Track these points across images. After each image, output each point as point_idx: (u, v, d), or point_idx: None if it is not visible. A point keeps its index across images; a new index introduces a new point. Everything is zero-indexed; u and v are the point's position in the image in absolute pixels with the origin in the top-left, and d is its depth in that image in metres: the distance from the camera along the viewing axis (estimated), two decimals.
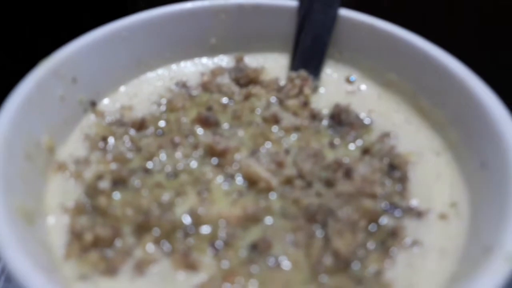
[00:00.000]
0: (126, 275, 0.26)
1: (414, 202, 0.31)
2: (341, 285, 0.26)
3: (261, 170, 0.32)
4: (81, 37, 0.36)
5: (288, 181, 0.32)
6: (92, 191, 0.31)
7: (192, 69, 0.42)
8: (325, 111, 0.38)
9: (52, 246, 0.28)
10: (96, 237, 0.28)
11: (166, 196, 0.31)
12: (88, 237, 0.27)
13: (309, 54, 0.41)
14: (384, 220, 0.30)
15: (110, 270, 0.27)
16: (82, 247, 0.27)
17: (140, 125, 0.36)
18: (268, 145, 0.35)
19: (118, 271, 0.27)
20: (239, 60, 0.43)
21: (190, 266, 0.27)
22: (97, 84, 0.37)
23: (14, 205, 0.25)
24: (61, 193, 0.31)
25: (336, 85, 0.41)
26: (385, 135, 0.36)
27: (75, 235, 0.28)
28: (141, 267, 0.27)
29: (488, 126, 0.30)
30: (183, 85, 0.40)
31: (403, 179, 0.33)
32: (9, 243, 0.22)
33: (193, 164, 0.33)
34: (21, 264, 0.21)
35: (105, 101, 0.38)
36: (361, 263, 0.28)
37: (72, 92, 0.35)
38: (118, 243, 0.28)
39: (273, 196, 0.31)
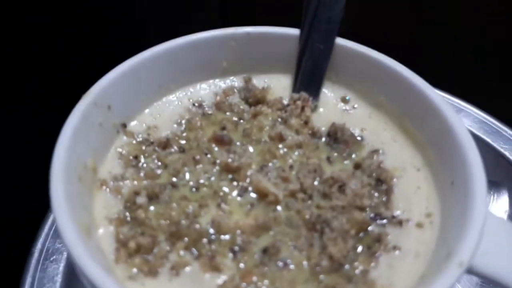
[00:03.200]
0: (166, 276, 0.33)
1: (396, 212, 0.38)
2: (336, 283, 0.33)
3: (270, 185, 0.39)
4: (112, 70, 0.41)
5: (292, 195, 0.38)
6: (130, 205, 0.37)
7: (206, 90, 0.48)
8: (324, 129, 0.44)
9: (104, 252, 0.34)
10: (139, 245, 0.34)
11: (191, 208, 0.37)
12: (132, 245, 0.34)
13: (309, 78, 0.46)
14: (371, 228, 0.37)
15: (152, 272, 0.33)
16: (128, 253, 0.34)
17: (165, 145, 0.42)
18: (274, 160, 0.41)
19: (158, 273, 0.33)
20: (248, 81, 0.49)
21: (215, 268, 0.34)
22: (126, 108, 0.43)
23: (77, 222, 0.31)
24: (105, 207, 0.37)
25: (332, 104, 0.47)
26: (374, 152, 0.42)
27: (121, 243, 0.35)
28: (176, 269, 0.34)
29: (457, 152, 0.36)
30: (199, 105, 0.46)
31: (388, 192, 0.39)
32: (84, 255, 0.28)
33: (212, 179, 0.40)
34: (92, 270, 0.28)
35: (133, 123, 0.44)
36: (351, 264, 0.34)
37: (108, 118, 0.41)
38: (155, 249, 0.35)
39: (279, 207, 0.38)
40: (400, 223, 0.37)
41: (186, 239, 0.35)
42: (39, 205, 0.51)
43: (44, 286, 0.52)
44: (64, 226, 0.30)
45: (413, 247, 0.35)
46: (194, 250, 0.35)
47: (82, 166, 0.37)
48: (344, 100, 0.47)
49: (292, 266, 0.34)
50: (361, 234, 0.36)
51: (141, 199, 0.37)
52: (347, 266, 0.34)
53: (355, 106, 0.47)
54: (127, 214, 0.37)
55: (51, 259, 0.54)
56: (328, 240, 0.35)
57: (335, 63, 0.47)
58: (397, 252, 0.35)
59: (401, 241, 0.36)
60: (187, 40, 0.46)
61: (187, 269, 0.34)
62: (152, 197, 0.38)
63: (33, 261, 0.53)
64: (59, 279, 0.52)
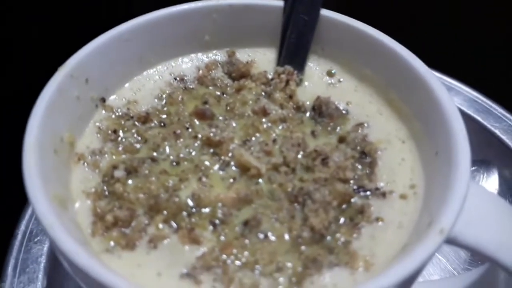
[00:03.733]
0: (143, 249, 0.32)
1: (380, 184, 0.37)
2: (317, 254, 0.32)
3: (252, 159, 0.38)
4: (89, 43, 0.40)
5: (275, 168, 0.38)
6: (108, 179, 0.36)
7: (189, 64, 0.47)
8: (308, 103, 0.43)
9: (80, 225, 0.33)
10: (116, 218, 0.33)
11: (171, 182, 0.36)
12: (109, 218, 0.33)
13: (294, 51, 0.45)
14: (354, 200, 0.36)
15: (129, 245, 0.33)
16: (105, 226, 0.33)
17: (145, 119, 0.41)
18: (257, 134, 0.40)
19: (136, 246, 0.33)
20: (231, 55, 0.47)
21: (194, 240, 0.33)
22: (105, 82, 0.42)
23: (51, 194, 0.31)
24: (82, 181, 0.36)
25: (318, 78, 0.46)
26: (359, 125, 0.42)
27: (98, 217, 0.34)
28: (154, 242, 0.33)
29: (442, 122, 0.35)
30: (181, 79, 0.45)
31: (372, 164, 0.38)
32: (55, 225, 0.28)
33: (193, 153, 0.39)
34: (67, 243, 0.27)
35: (113, 97, 0.43)
36: (333, 236, 0.34)
37: (86, 91, 0.40)
38: (133, 223, 0.34)
39: (261, 181, 0.37)
40: (383, 194, 0.36)
41: (165, 212, 0.34)
42: None
43: (27, 267, 0.51)
44: (36, 197, 0.29)
45: (396, 218, 0.35)
46: (173, 223, 0.34)
47: (59, 140, 0.36)
48: (330, 74, 0.46)
49: (273, 238, 0.34)
50: (343, 206, 0.36)
51: (119, 173, 0.36)
52: (328, 238, 0.34)
53: (341, 79, 0.46)
54: (105, 188, 0.36)
55: (35, 240, 0.53)
56: (310, 212, 0.34)
57: (321, 36, 0.45)
58: (380, 223, 0.35)
59: (384, 213, 0.35)
60: (167, 12, 0.44)
61: (166, 241, 0.33)
62: (131, 171, 0.37)
63: (17, 242, 0.53)
64: (43, 260, 0.52)
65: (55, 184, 0.33)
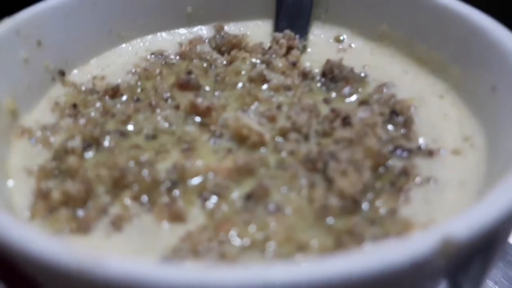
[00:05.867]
0: (101, 232, 0.23)
1: (422, 143, 0.28)
2: (352, 227, 0.23)
3: (252, 122, 0.29)
4: (45, 0, 0.33)
5: (282, 134, 0.29)
6: (61, 154, 0.27)
7: (169, 39, 0.39)
8: (317, 70, 0.35)
9: (16, 208, 0.24)
10: (65, 195, 0.24)
11: (145, 157, 0.27)
12: (56, 195, 0.24)
13: (293, 13, 0.38)
14: (392, 163, 0.27)
15: (82, 228, 0.23)
16: (49, 206, 0.24)
17: (114, 92, 0.33)
18: (256, 103, 0.32)
19: (91, 228, 0.23)
20: (219, 29, 0.40)
21: (176, 217, 0.23)
22: (64, 51, 0.34)
23: None
24: (25, 157, 0.27)
25: (325, 45, 0.38)
26: (383, 85, 0.33)
27: (41, 195, 0.24)
28: (118, 223, 0.23)
29: (492, 50, 0.27)
30: (160, 54, 0.38)
31: (407, 123, 0.30)
32: None
33: (175, 125, 0.30)
34: None
35: (75, 71, 0.35)
36: (371, 204, 0.24)
37: (37, 56, 0.32)
38: (90, 204, 0.24)
39: (266, 151, 0.28)
40: (430, 153, 0.27)
41: (136, 186, 0.25)
42: None
43: None
44: None
45: (454, 176, 0.25)
46: (145, 199, 0.24)
47: None
48: (338, 40, 0.39)
49: (288, 211, 0.24)
50: (380, 170, 0.26)
51: (74, 143, 0.27)
52: (365, 206, 0.24)
53: (352, 45, 0.38)
54: (55, 166, 0.27)
55: None
56: (335, 173, 0.25)
57: None
58: (432, 184, 0.25)
59: (436, 172, 0.26)
60: None
61: (135, 222, 0.23)
62: (91, 143, 0.28)
63: None
64: None
65: None
